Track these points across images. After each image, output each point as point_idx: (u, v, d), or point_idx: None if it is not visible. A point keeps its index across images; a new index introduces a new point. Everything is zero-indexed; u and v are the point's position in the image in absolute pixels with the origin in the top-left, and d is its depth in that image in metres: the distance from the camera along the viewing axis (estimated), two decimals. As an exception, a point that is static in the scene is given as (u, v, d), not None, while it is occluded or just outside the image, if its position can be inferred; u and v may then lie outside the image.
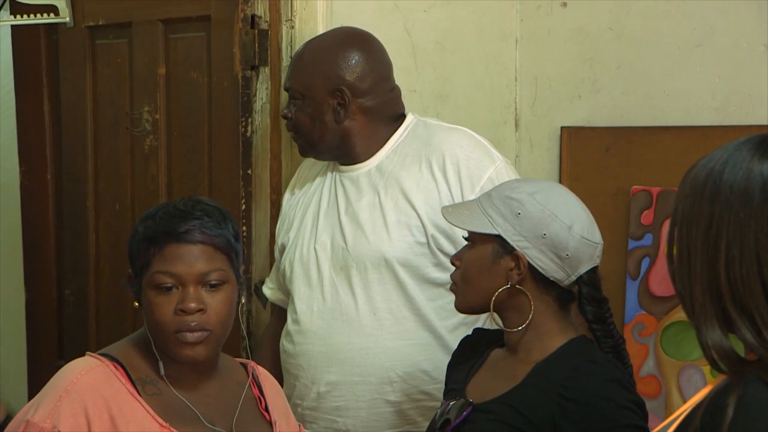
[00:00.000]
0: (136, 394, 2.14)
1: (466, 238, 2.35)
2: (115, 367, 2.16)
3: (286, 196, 3.01)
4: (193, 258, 2.13)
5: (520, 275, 2.26)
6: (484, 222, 2.28)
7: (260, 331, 3.19)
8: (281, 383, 2.83)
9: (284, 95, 3.14)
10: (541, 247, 2.25)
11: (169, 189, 3.49)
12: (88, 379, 2.13)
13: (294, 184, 3.01)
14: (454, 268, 2.36)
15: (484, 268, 2.29)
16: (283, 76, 3.16)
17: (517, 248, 2.25)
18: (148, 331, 2.18)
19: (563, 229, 2.25)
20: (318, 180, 2.91)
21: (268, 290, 3.03)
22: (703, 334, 1.53)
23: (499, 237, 2.26)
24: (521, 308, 2.28)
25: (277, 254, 2.95)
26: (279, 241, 2.94)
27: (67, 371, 2.18)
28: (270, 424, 2.29)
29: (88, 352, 2.23)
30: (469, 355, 2.45)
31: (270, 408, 2.31)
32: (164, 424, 2.12)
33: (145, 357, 2.19)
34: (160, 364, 2.17)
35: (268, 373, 2.42)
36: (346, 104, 2.78)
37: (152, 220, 2.17)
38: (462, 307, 2.37)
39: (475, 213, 2.31)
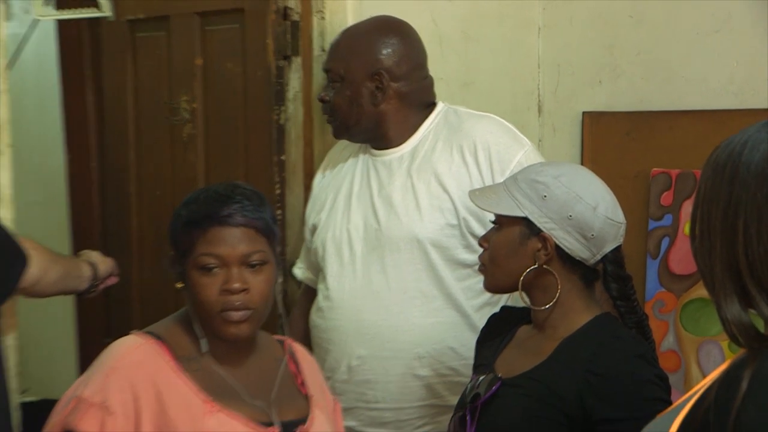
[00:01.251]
0: (179, 370, 2.14)
1: (493, 221, 2.33)
2: (159, 344, 2.16)
3: (317, 178, 3.00)
4: (236, 240, 2.13)
5: (547, 256, 2.24)
6: (511, 205, 2.25)
7: (295, 309, 3.18)
8: None
9: (317, 83, 3.14)
10: (567, 228, 2.22)
11: (206, 175, 3.49)
12: (135, 356, 2.14)
13: (325, 166, 3.00)
14: (482, 249, 2.34)
15: (511, 249, 2.26)
16: (315, 65, 3.16)
17: (543, 230, 2.23)
18: (193, 310, 2.18)
19: (588, 210, 2.22)
20: (349, 163, 2.90)
21: (298, 270, 3.03)
22: (723, 310, 1.52)
23: (526, 219, 2.24)
24: (548, 287, 2.26)
25: (307, 235, 2.94)
26: (310, 221, 2.93)
27: (114, 349, 2.19)
28: (306, 398, 2.27)
29: (133, 331, 2.23)
30: (497, 332, 2.43)
31: (307, 383, 2.30)
32: (206, 398, 2.12)
33: (187, 335, 2.19)
34: (203, 341, 2.17)
35: (304, 350, 2.42)
36: (384, 88, 2.78)
37: (195, 204, 2.17)
38: (491, 287, 2.35)
39: (502, 196, 2.28)
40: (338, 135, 2.88)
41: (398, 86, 2.78)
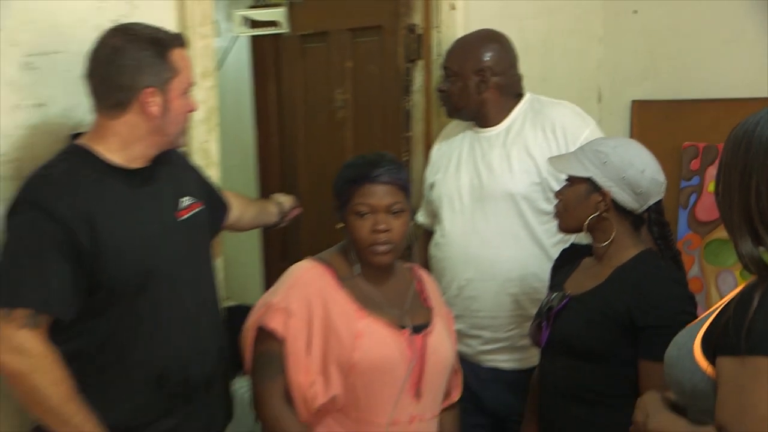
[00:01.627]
0: (339, 286, 2.15)
1: (566, 180, 2.28)
2: (325, 267, 2.18)
3: (434, 149, 2.96)
4: (382, 194, 2.13)
5: (606, 206, 2.19)
6: (579, 168, 2.21)
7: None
8: None
9: (434, 80, 3.10)
10: (621, 186, 2.17)
11: (354, 147, 3.48)
12: (308, 275, 2.17)
13: (440, 140, 2.96)
14: (557, 201, 2.30)
15: (579, 201, 2.22)
16: (434, 68, 3.12)
17: (603, 187, 2.18)
18: (349, 244, 2.18)
19: (638, 172, 2.16)
20: (458, 138, 2.86)
21: (420, 217, 2.99)
22: (740, 247, 1.55)
23: (590, 179, 2.19)
24: (606, 229, 2.21)
25: (426, 191, 2.91)
26: (428, 181, 2.90)
27: (294, 270, 2.20)
28: (429, 309, 2.27)
29: (307, 257, 2.24)
30: (566, 262, 2.40)
31: (429, 298, 2.30)
32: (359, 307, 2.14)
33: (345, 261, 2.20)
34: (357, 266, 2.18)
35: (426, 273, 2.40)
36: (486, 81, 2.72)
37: (353, 167, 2.18)
38: (563, 228, 2.31)
39: (572, 162, 2.24)
40: (450, 115, 2.84)
41: (497, 80, 2.73)
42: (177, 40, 2.09)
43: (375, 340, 2.10)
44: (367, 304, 2.15)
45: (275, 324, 2.09)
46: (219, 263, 2.63)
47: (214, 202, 2.37)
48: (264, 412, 2.10)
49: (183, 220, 2.16)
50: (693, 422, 1.63)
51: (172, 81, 2.05)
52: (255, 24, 3.92)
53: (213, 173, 2.62)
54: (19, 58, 2.24)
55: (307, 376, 2.07)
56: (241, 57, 4.55)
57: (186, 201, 2.18)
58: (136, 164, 2.09)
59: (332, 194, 2.20)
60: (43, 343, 1.91)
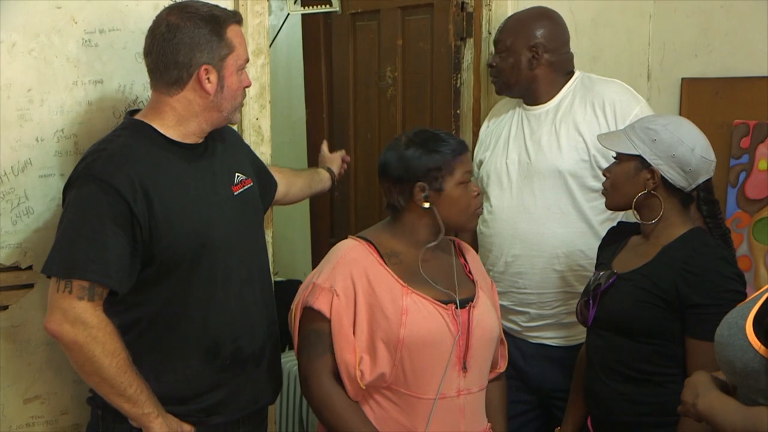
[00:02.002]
0: (384, 264, 2.13)
1: (614, 157, 2.25)
2: (368, 245, 2.16)
3: (483, 126, 2.94)
4: (469, 161, 2.20)
5: (655, 184, 2.16)
6: (629, 146, 2.18)
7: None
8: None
9: (484, 57, 3.07)
10: (670, 164, 2.14)
11: (403, 124, 3.48)
12: (352, 254, 2.14)
13: (489, 118, 2.94)
14: (605, 178, 2.27)
15: (628, 178, 2.19)
16: (484, 46, 3.09)
17: (652, 165, 2.15)
18: (435, 218, 2.14)
19: (687, 150, 2.13)
20: (507, 116, 2.83)
21: None
22: None
23: (639, 156, 2.16)
24: (654, 207, 2.18)
25: (475, 168, 2.88)
26: (477, 158, 2.87)
27: (338, 249, 2.18)
28: (473, 282, 2.26)
29: (351, 235, 2.22)
30: (614, 240, 2.37)
31: (473, 271, 2.28)
32: (403, 284, 2.12)
33: (390, 238, 2.18)
34: (441, 234, 2.15)
35: (468, 246, 2.39)
36: (538, 57, 2.69)
37: (441, 142, 2.15)
38: (611, 206, 2.28)
39: (622, 139, 2.21)
40: (501, 91, 2.81)
41: (548, 57, 2.70)
42: (233, 17, 2.10)
43: (421, 315, 2.09)
44: (411, 280, 2.13)
45: (320, 304, 2.08)
46: (268, 239, 2.65)
47: (263, 180, 2.39)
48: (312, 390, 2.09)
49: (237, 194, 2.18)
50: (743, 402, 1.60)
51: (227, 58, 2.07)
52: (306, 2, 3.91)
53: (264, 150, 2.64)
54: (78, 35, 2.28)
55: (354, 354, 2.06)
56: (291, 35, 4.55)
57: (239, 177, 2.21)
58: (191, 140, 2.11)
59: (409, 177, 2.12)
60: (101, 314, 1.94)
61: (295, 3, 3.94)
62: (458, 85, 3.17)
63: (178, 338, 2.06)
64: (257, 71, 2.59)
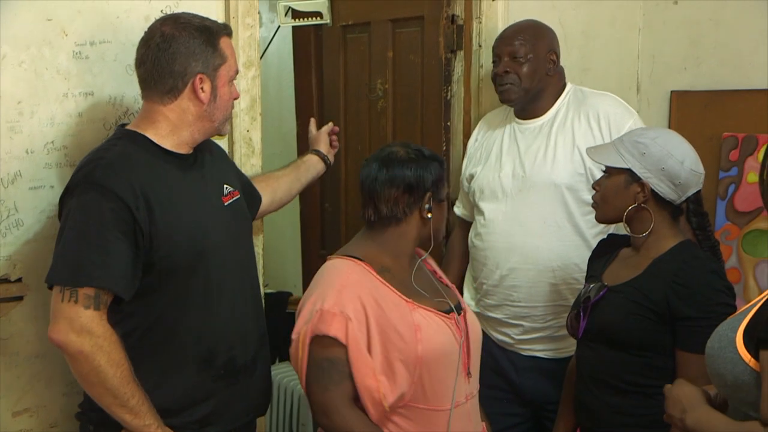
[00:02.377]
0: (382, 280, 2.08)
1: (604, 171, 2.26)
2: (362, 263, 2.08)
3: (471, 140, 2.93)
4: None
5: (645, 197, 2.17)
6: (618, 159, 2.18)
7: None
8: (466, 269, 2.86)
9: (474, 70, 3.07)
10: (660, 177, 2.14)
11: (393, 136, 3.47)
12: (354, 275, 2.05)
13: (478, 131, 2.93)
14: (594, 191, 2.28)
15: (618, 192, 2.19)
16: (474, 58, 3.09)
17: (642, 178, 2.15)
18: (425, 231, 2.13)
19: (677, 164, 2.14)
20: (497, 129, 2.83)
21: (457, 209, 2.95)
22: None
23: (629, 170, 2.17)
24: (644, 220, 2.19)
25: (464, 182, 2.88)
26: (467, 172, 2.86)
27: (335, 271, 2.08)
28: (450, 288, 2.25)
29: (337, 255, 2.13)
30: (604, 252, 2.38)
31: (443, 277, 2.27)
32: (406, 298, 2.07)
33: (378, 252, 2.11)
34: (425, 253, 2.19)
35: (424, 252, 2.25)
36: (556, 64, 2.72)
37: (436, 159, 2.16)
38: (601, 219, 2.29)
39: (611, 153, 2.21)
40: (509, 100, 2.73)
41: (559, 65, 2.73)
42: (225, 29, 2.13)
43: (432, 329, 2.05)
44: (408, 293, 2.08)
45: (335, 330, 1.98)
46: (258, 250, 2.64)
47: (248, 193, 2.39)
48: (335, 422, 1.99)
49: (227, 205, 2.19)
50: (733, 416, 1.61)
51: (220, 68, 2.09)
52: (297, 15, 3.91)
53: (255, 162, 2.64)
54: (69, 47, 2.27)
55: (375, 378, 1.99)
56: (282, 47, 4.56)
57: (228, 188, 2.22)
58: (183, 150, 2.12)
59: (422, 187, 2.10)
60: (106, 324, 1.92)
61: (285, 15, 3.94)
62: (449, 97, 3.17)
63: (173, 347, 2.05)
64: (248, 83, 2.59)
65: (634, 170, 2.16)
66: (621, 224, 2.25)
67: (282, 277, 4.70)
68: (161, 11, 2.37)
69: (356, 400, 2.01)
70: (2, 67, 2.18)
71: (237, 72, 2.15)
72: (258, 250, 2.65)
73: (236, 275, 2.16)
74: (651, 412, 2.11)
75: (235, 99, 2.17)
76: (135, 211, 1.95)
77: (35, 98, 2.22)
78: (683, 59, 3.29)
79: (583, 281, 2.41)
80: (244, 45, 2.56)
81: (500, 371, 2.73)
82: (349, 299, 2.01)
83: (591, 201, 2.50)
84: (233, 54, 2.13)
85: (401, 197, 2.10)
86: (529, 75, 2.68)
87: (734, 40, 3.15)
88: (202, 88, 2.06)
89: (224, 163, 2.32)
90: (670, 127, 3.22)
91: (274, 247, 4.34)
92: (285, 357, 4.23)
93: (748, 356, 1.56)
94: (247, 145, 2.63)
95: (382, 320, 2.01)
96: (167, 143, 2.08)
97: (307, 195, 4.34)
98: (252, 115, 2.63)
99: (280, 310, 4.34)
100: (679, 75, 3.30)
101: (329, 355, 1.99)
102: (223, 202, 2.17)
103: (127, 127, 2.11)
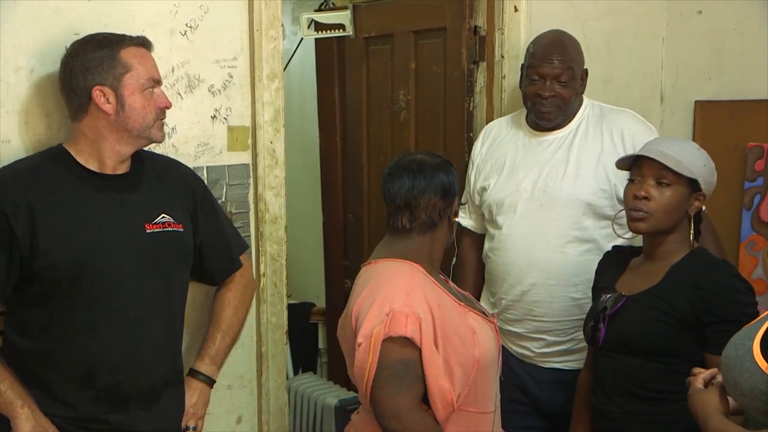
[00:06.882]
0: (437, 283, 2.11)
1: (630, 179, 2.26)
2: (419, 266, 2.10)
3: (476, 150, 2.91)
4: None
5: (698, 208, 2.22)
6: (687, 169, 2.18)
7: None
8: (482, 283, 2.85)
9: (497, 81, 3.10)
10: (710, 189, 2.22)
11: (416, 147, 3.49)
12: (418, 276, 2.07)
13: (481, 143, 2.91)
14: (620, 207, 2.30)
15: (682, 202, 2.21)
16: (496, 69, 3.12)
17: (703, 189, 2.20)
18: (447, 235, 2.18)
19: (715, 175, 2.22)
20: (507, 140, 2.83)
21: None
22: None
23: (692, 180, 2.19)
24: (682, 229, 2.24)
25: (475, 195, 2.86)
26: (478, 185, 2.85)
27: (395, 272, 2.08)
28: (466, 295, 2.28)
29: (394, 258, 2.11)
30: (612, 264, 2.39)
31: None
32: (460, 302, 2.14)
33: (417, 257, 2.12)
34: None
35: None
36: (585, 82, 2.76)
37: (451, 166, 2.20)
38: (651, 229, 2.22)
39: (680, 162, 2.19)
40: (549, 120, 2.71)
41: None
42: (130, 40, 2.18)
43: (483, 332, 2.11)
44: (458, 298, 2.14)
45: (410, 331, 1.98)
46: (281, 261, 2.68)
47: (212, 243, 2.36)
48: (406, 424, 1.98)
49: (150, 233, 2.20)
50: (751, 426, 1.62)
51: (123, 77, 2.14)
52: (320, 27, 3.96)
53: (278, 173, 2.68)
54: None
55: (446, 378, 2.01)
56: (305, 59, 4.61)
57: (164, 218, 2.23)
58: (110, 169, 2.17)
59: (454, 193, 2.15)
60: None
61: (308, 27, 3.99)
62: (471, 108, 3.20)
63: (54, 357, 2.11)
64: (271, 95, 2.64)
65: (699, 181, 2.19)
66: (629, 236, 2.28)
67: (305, 287, 4.73)
68: (186, 24, 2.43)
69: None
70: (30, 82, 2.25)
71: (154, 79, 2.18)
72: (281, 261, 2.69)
73: (141, 302, 2.16)
74: (675, 418, 2.13)
75: (165, 107, 2.20)
76: (12, 221, 2.04)
77: (64, 110, 2.27)
78: (707, 69, 3.30)
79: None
80: (267, 57, 2.61)
81: (519, 384, 2.74)
82: (418, 300, 2.02)
83: (609, 216, 2.52)
84: (144, 62, 2.16)
85: (438, 203, 2.12)
86: (570, 98, 2.70)
87: (758, 50, 3.15)
88: (107, 100, 2.12)
89: (176, 195, 2.28)
90: (694, 138, 3.23)
91: (297, 257, 4.38)
92: (308, 367, 4.29)
93: (765, 365, 1.57)
94: (271, 157, 2.68)
95: (444, 322, 2.03)
96: (91, 161, 2.16)
97: (330, 206, 4.39)
98: (275, 127, 2.68)
99: (303, 321, 4.38)
100: (703, 85, 3.31)
101: (402, 357, 1.99)
102: (144, 229, 2.18)
103: (60, 144, 2.20)
